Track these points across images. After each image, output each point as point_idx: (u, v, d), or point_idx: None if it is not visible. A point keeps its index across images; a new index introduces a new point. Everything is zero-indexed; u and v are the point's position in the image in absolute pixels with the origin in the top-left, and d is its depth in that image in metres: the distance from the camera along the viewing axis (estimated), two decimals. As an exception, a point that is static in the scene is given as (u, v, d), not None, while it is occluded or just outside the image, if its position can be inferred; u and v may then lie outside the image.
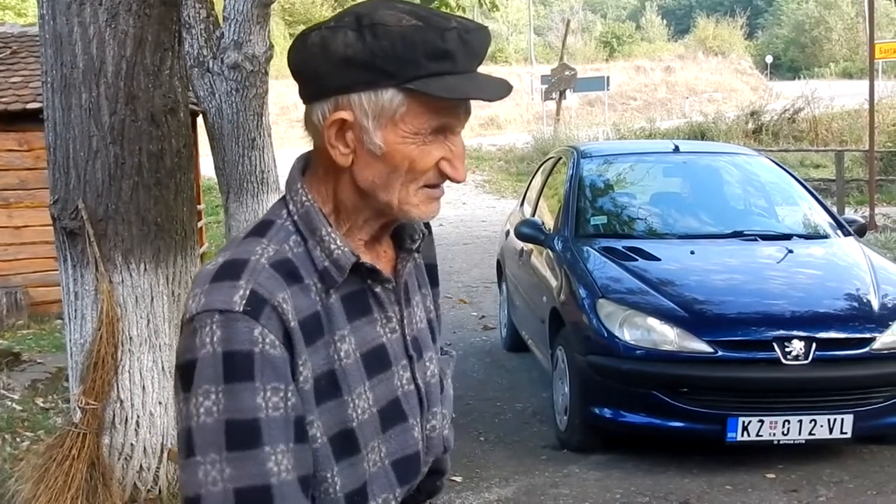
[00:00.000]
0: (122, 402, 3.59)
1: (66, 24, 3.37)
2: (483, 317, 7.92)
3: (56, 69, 3.43)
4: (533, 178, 7.24)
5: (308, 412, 1.08)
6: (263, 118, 9.18)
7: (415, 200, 1.12)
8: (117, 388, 3.57)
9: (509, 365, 6.31)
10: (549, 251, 5.28)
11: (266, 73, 9.14)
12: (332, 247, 1.13)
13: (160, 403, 3.66)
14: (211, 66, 8.94)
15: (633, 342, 4.29)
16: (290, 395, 1.04)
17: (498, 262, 7.29)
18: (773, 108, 22.67)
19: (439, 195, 1.14)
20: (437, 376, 1.27)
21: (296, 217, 1.14)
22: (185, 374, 1.04)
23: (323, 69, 1.08)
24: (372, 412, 1.14)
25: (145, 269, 3.56)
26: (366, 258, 1.16)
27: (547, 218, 5.85)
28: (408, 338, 1.22)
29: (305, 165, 1.19)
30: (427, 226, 1.29)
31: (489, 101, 1.09)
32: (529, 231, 5.42)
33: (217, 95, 8.97)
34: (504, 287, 6.93)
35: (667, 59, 45.20)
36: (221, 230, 11.52)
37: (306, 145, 1.21)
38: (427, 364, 1.26)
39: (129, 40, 3.39)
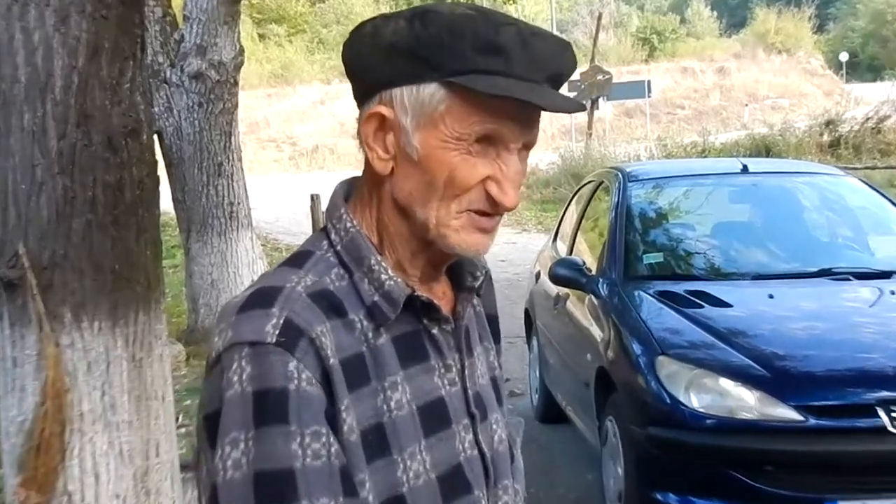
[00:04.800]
0: (70, 494, 3.56)
1: (6, 30, 3.39)
2: (508, 380, 7.88)
3: (-8, 84, 3.45)
4: (567, 207, 7.28)
5: (358, 470, 1.11)
6: (232, 138, 9.25)
7: (454, 224, 1.17)
8: (65, 477, 3.54)
9: (543, 439, 6.28)
10: (593, 297, 5.29)
11: (236, 84, 9.24)
12: (384, 277, 1.18)
13: (118, 496, 3.62)
14: (168, 75, 9.04)
15: (702, 409, 4.27)
16: (332, 441, 1.08)
17: (526, 311, 7.30)
18: (853, 116, 22.77)
19: (487, 226, 1.19)
20: (505, 443, 1.31)
21: (339, 247, 1.20)
22: (211, 426, 1.08)
23: (370, 61, 1.17)
24: (429, 478, 1.17)
25: (100, 327, 3.55)
26: (421, 292, 1.20)
27: (588, 256, 5.87)
28: (469, 392, 1.25)
29: (349, 191, 1.25)
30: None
31: (546, 109, 1.14)
32: (567, 273, 5.43)
33: (176, 112, 9.06)
34: (534, 343, 6.93)
35: (720, 59, 45.63)
36: (179, 276, 11.53)
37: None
38: (493, 427, 1.29)
39: (81, 48, 3.41)
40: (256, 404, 1.06)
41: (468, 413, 1.24)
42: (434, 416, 1.20)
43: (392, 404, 1.15)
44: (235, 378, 1.07)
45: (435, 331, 1.22)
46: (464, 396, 1.24)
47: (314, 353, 1.08)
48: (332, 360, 1.10)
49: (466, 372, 1.25)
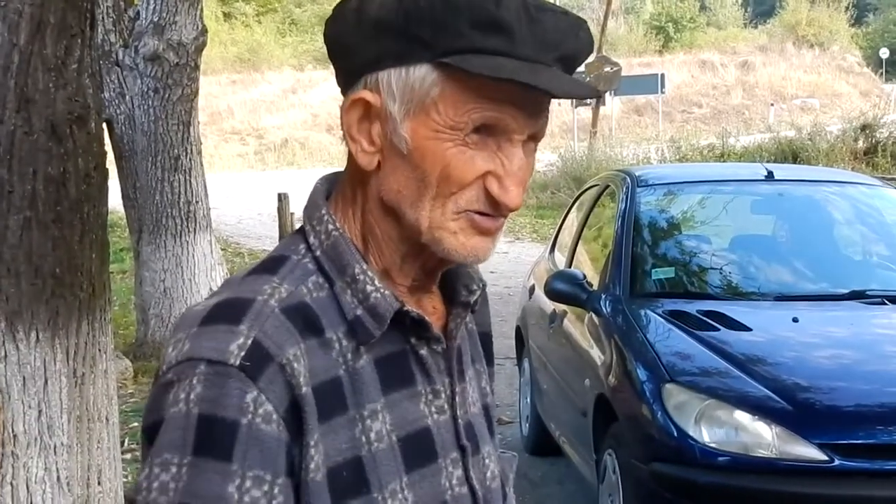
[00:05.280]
0: (1, 526, 3.55)
1: (-64, 1, 3.39)
2: (496, 406, 7.88)
3: (-80, 62, 3.45)
4: (567, 214, 7.29)
5: None
6: (192, 129, 9.24)
7: (452, 226, 1.15)
8: (-5, 506, 3.53)
9: (534, 474, 6.29)
10: (594, 315, 5.29)
11: (196, 68, 9.24)
12: (369, 288, 1.17)
13: (54, 527, 3.61)
14: (121, 57, 9.03)
15: (714, 445, 4.27)
16: (276, 491, 1.07)
17: (518, 329, 7.30)
18: (893, 121, 22.88)
19: (490, 227, 1.17)
20: (497, 479, 1.31)
21: (318, 252, 1.19)
22: (148, 439, 1.08)
23: (354, 40, 1.15)
24: None
25: (37, 338, 3.54)
26: (411, 307, 1.19)
27: (589, 270, 5.87)
28: (459, 422, 1.25)
29: (331, 188, 1.24)
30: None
31: (554, 95, 1.12)
32: (565, 288, 5.43)
33: (128, 98, 9.05)
34: (526, 365, 6.93)
35: (743, 52, 45.77)
36: (128, 283, 11.51)
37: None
38: (486, 461, 1.28)
39: (23, 23, 3.40)
40: (199, 430, 1.05)
41: (458, 445, 1.24)
42: (418, 449, 1.19)
43: (372, 435, 1.14)
44: (182, 395, 1.07)
45: (423, 351, 1.21)
46: (453, 426, 1.24)
47: (283, 381, 1.07)
48: (304, 389, 1.09)
49: (457, 399, 1.24)
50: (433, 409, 1.22)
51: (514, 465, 1.41)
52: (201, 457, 1.05)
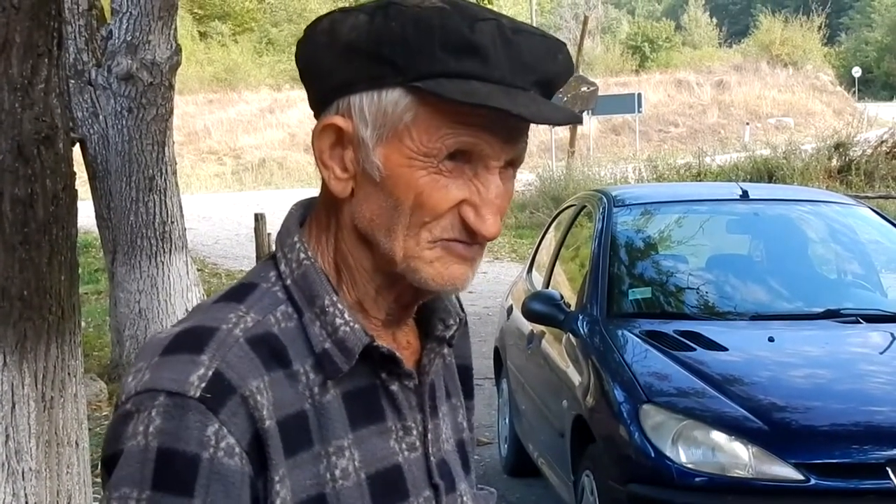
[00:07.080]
0: (-34, 554, 3.50)
1: None
2: (475, 427, 7.85)
3: None
4: (545, 234, 7.31)
5: None
6: (166, 149, 9.22)
7: (427, 255, 1.13)
8: (-40, 534, 3.48)
9: (512, 496, 6.28)
10: (571, 336, 5.29)
11: (171, 87, 9.22)
12: (338, 321, 1.14)
13: (21, 556, 3.57)
14: (94, 76, 9.00)
15: (691, 465, 4.27)
16: None
17: (496, 350, 7.29)
18: (866, 139, 23.06)
19: (466, 255, 1.14)
20: None
21: (289, 281, 1.16)
22: (107, 470, 1.07)
23: (326, 63, 1.13)
24: None
25: (5, 362, 3.50)
26: (382, 342, 1.16)
27: (567, 290, 5.88)
28: (432, 459, 1.22)
29: (306, 214, 1.21)
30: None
31: (530, 120, 1.10)
32: (543, 308, 5.43)
33: (102, 117, 9.02)
34: (504, 386, 6.92)
35: (718, 71, 46.09)
36: (103, 304, 11.44)
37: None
38: (462, 499, 1.26)
39: (-12, 42, 3.38)
40: (159, 464, 1.03)
41: (430, 484, 1.21)
42: (387, 487, 1.16)
43: (337, 472, 1.12)
44: (141, 428, 1.05)
45: (394, 387, 1.18)
46: (425, 464, 1.21)
47: (245, 414, 1.05)
48: (267, 423, 1.07)
49: (430, 436, 1.22)
50: (404, 445, 1.19)
51: (493, 502, 1.38)
52: (160, 492, 1.03)
